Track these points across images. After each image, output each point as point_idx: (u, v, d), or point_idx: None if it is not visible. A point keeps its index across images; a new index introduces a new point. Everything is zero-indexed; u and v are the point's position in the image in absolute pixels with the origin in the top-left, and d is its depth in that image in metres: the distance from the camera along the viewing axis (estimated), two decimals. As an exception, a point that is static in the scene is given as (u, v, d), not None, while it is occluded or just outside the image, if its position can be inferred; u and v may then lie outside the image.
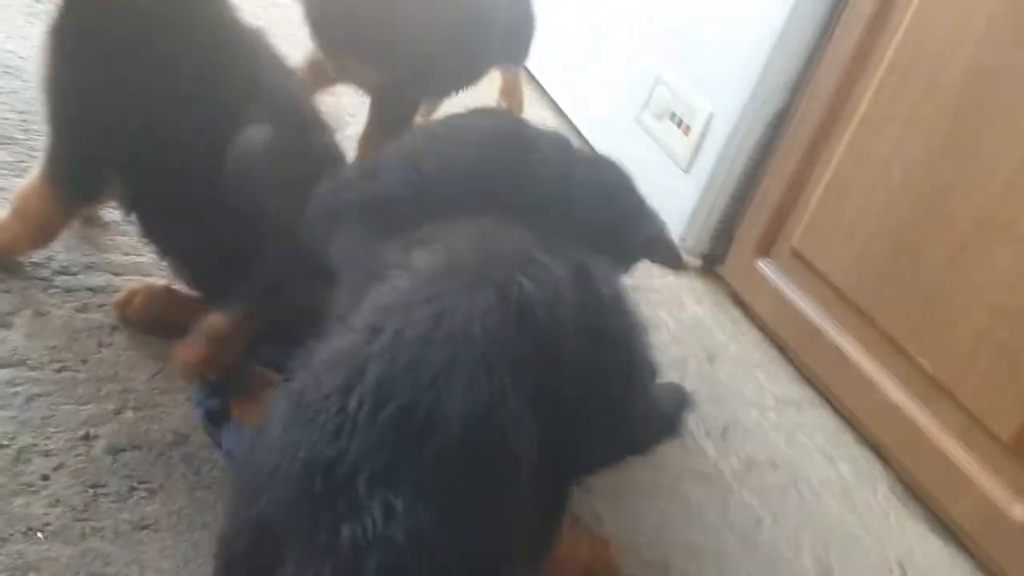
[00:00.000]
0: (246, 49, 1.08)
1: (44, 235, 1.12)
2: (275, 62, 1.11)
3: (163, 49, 1.02)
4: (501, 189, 0.99)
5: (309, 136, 1.08)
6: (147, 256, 1.23)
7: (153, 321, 1.13)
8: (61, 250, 1.19)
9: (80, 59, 1.03)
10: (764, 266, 1.60)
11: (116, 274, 1.20)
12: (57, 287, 1.15)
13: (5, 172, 1.26)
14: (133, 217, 1.12)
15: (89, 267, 1.20)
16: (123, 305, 1.14)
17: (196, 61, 1.04)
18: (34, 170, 1.10)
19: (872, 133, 1.43)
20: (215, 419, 1.03)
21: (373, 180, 0.99)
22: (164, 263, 1.16)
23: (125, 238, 1.25)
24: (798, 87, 1.57)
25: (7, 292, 1.11)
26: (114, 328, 1.13)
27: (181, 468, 0.99)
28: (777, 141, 1.60)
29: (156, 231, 1.11)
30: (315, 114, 1.14)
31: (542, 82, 2.14)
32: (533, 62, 2.10)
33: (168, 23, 1.03)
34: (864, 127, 1.45)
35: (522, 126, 1.09)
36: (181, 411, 1.06)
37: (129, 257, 1.23)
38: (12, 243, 1.11)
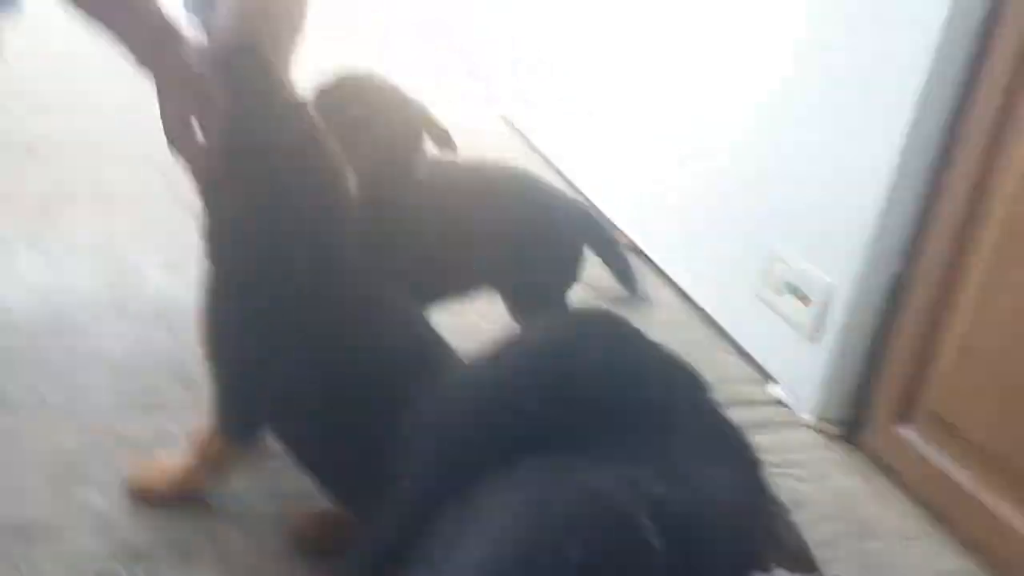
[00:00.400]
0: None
1: (221, 473, 1.24)
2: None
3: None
4: None
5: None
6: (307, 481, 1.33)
7: (323, 542, 1.22)
8: (232, 479, 1.31)
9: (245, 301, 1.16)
10: (906, 432, 1.58)
11: (284, 498, 1.31)
12: (232, 516, 1.26)
13: (187, 411, 1.41)
14: (288, 448, 1.22)
15: (267, 494, 1.30)
16: (292, 528, 1.24)
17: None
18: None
19: (994, 291, 1.44)
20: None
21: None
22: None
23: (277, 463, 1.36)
24: (912, 251, 1.60)
25: (185, 523, 1.23)
26: (291, 553, 1.22)
27: None
28: (900, 306, 1.62)
29: (311, 462, 1.19)
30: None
31: (658, 262, 2.22)
32: (649, 244, 2.21)
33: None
34: (985, 287, 1.45)
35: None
36: None
37: (294, 483, 1.34)
38: (194, 482, 1.24)
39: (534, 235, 1.50)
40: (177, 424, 1.37)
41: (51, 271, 1.67)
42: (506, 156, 2.72)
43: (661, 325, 1.80)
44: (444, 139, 1.42)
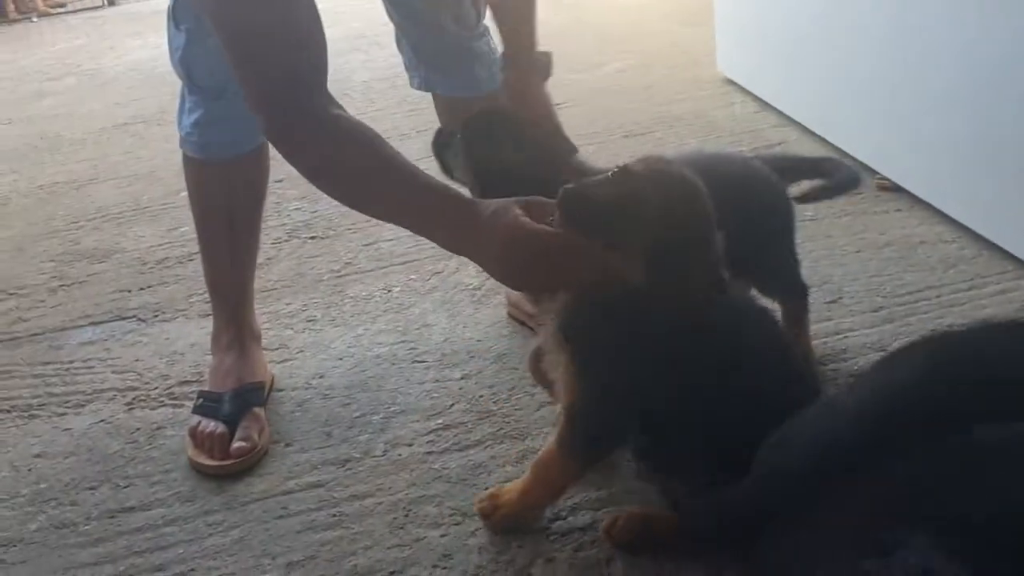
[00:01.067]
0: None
1: (559, 496, 1.34)
2: None
3: None
4: None
5: None
6: (616, 487, 1.41)
7: (640, 542, 1.29)
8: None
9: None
10: None
11: (595, 510, 1.39)
12: (555, 532, 1.36)
13: (490, 442, 1.53)
14: (645, 462, 1.30)
15: (574, 508, 1.39)
16: (609, 529, 1.31)
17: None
18: (549, 437, 1.32)
19: None
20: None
21: None
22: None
23: (596, 475, 1.44)
24: None
25: (521, 547, 1.33)
26: (609, 560, 1.30)
27: None
28: None
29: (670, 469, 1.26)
30: None
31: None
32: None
33: None
34: None
35: None
36: None
37: (601, 491, 1.42)
38: (535, 506, 1.34)
39: (762, 217, 1.49)
40: (489, 456, 1.50)
41: (351, 337, 1.87)
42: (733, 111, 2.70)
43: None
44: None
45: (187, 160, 1.64)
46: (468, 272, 2.02)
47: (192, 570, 1.34)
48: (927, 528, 0.75)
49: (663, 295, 1.14)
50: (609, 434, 1.27)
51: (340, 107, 1.25)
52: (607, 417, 1.24)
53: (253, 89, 1.25)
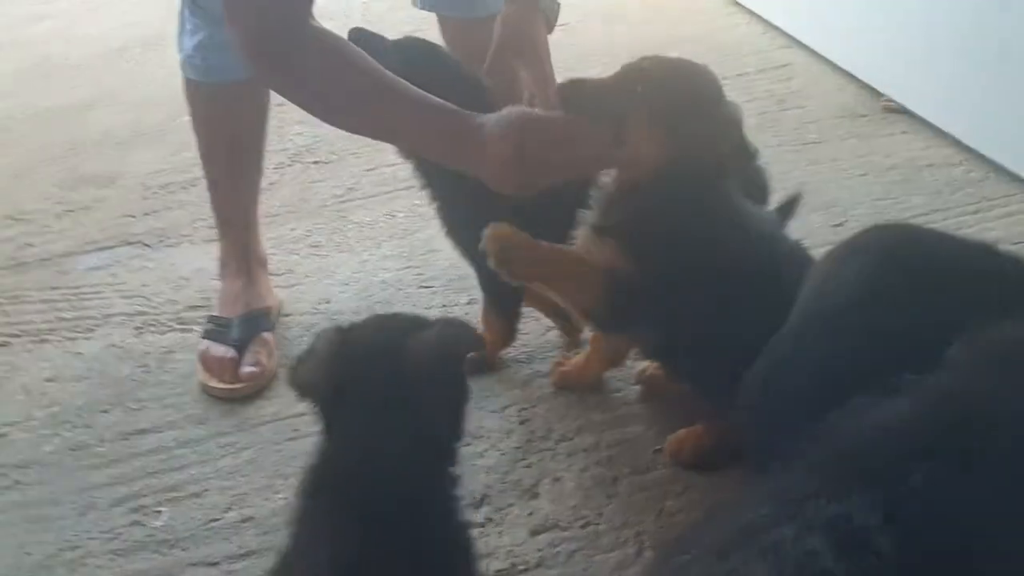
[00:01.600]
0: None
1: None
2: None
3: None
4: None
5: None
6: (621, 410, 1.44)
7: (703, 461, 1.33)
8: (556, 420, 1.43)
9: None
10: None
11: (599, 432, 1.41)
12: (560, 453, 1.39)
13: (497, 365, 1.55)
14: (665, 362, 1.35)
15: (580, 429, 1.42)
16: (676, 454, 1.35)
17: None
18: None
19: None
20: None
21: None
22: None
23: (599, 396, 1.47)
24: None
25: (528, 467, 1.36)
26: (615, 479, 1.33)
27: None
28: None
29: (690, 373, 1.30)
30: None
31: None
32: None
33: None
34: None
35: None
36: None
37: (605, 414, 1.44)
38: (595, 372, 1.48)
39: None
40: (496, 380, 1.53)
41: (357, 262, 1.88)
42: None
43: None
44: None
45: (188, 83, 1.62)
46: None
47: (206, 490, 1.38)
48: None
49: (688, 167, 1.16)
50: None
51: (318, 24, 1.20)
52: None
53: (241, 27, 1.21)
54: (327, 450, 0.93)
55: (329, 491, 0.90)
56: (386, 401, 0.91)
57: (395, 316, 1.04)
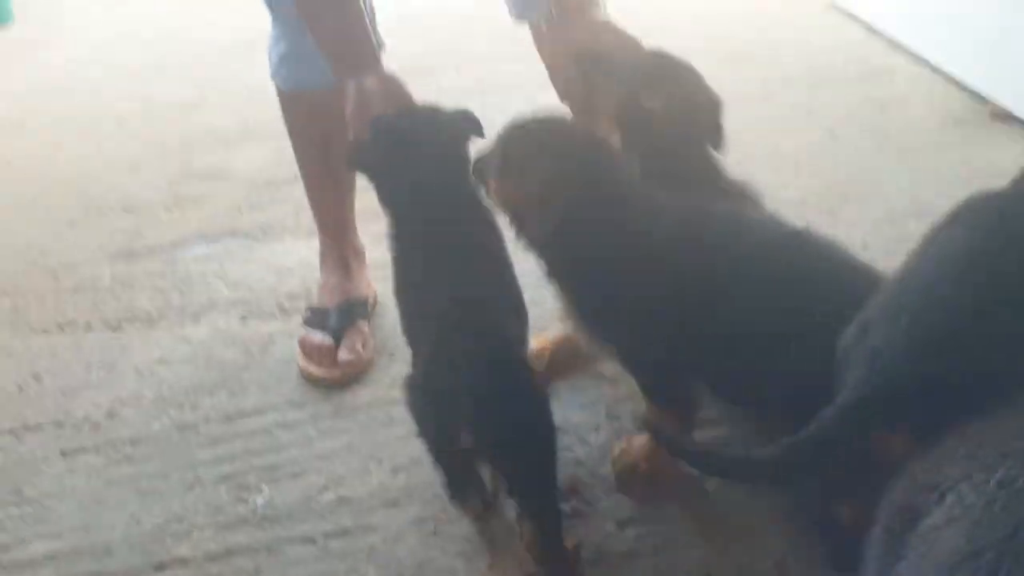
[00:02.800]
0: None
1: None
2: None
3: None
4: None
5: None
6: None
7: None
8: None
9: None
10: None
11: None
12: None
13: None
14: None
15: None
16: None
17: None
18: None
19: None
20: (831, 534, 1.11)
21: None
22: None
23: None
24: None
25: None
26: (701, 474, 1.33)
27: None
28: None
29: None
30: None
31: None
32: None
33: None
34: None
35: None
36: (777, 539, 1.21)
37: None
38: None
39: None
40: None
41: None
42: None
43: None
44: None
45: (279, 92, 1.69)
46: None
47: (304, 471, 1.43)
48: None
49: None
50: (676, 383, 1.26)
51: None
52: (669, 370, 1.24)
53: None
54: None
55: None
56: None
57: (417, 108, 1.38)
